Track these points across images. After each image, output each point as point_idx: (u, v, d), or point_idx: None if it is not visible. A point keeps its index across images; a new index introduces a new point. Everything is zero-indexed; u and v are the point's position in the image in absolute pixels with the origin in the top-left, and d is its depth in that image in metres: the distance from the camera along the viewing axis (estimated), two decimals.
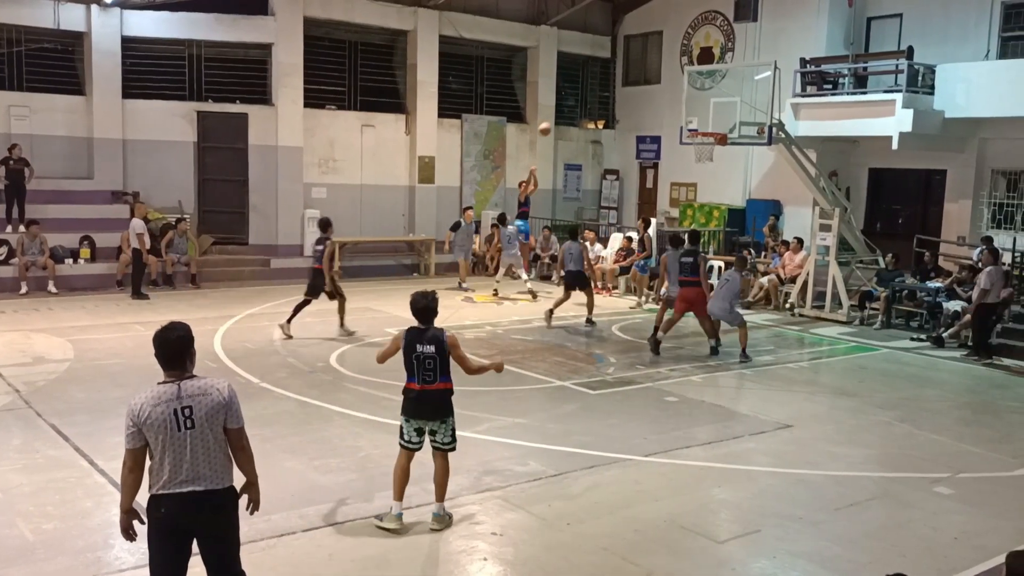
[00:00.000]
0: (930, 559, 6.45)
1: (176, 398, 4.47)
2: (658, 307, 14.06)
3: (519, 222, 19.91)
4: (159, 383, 4.54)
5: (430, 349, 6.48)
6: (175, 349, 4.54)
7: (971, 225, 18.30)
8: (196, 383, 4.55)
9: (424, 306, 6.55)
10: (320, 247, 13.41)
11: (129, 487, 4.55)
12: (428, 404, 6.55)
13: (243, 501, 4.79)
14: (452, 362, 6.64)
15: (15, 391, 9.97)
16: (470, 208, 19.93)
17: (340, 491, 7.32)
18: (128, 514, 4.60)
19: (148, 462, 4.53)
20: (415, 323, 6.62)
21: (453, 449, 6.71)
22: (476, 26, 22.73)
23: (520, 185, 20.89)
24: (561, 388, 10.98)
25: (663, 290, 13.99)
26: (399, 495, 6.62)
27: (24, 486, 7.23)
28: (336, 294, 13.51)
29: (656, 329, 13.43)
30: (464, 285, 18.61)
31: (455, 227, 19.13)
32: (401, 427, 6.67)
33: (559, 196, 24.92)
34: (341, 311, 13.62)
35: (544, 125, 20.86)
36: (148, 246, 16.55)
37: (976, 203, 18.29)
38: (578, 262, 15.11)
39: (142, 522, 4.61)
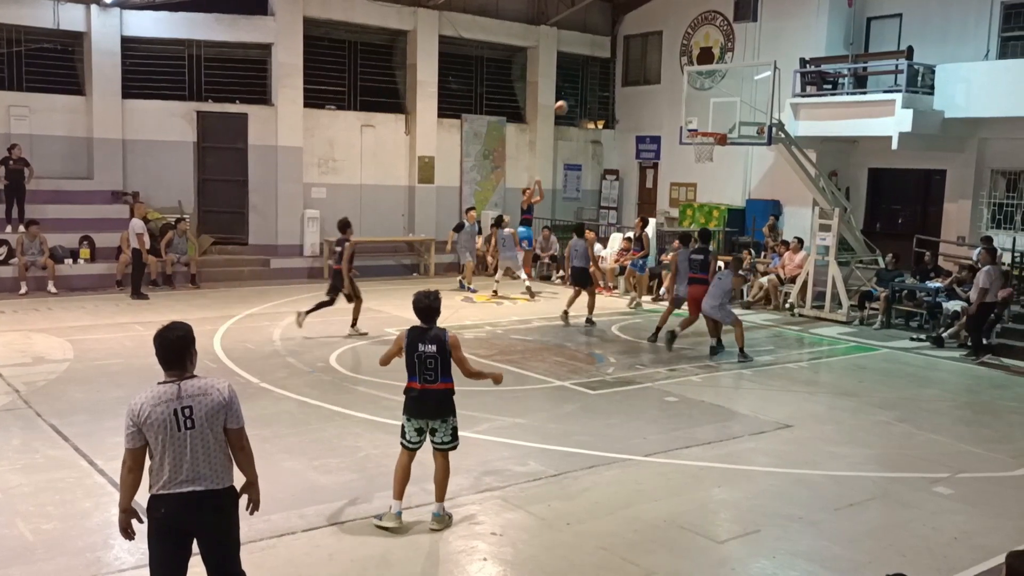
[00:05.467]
0: (929, 559, 6.45)
1: (176, 398, 4.46)
2: (664, 306, 14.12)
3: (522, 228, 19.93)
4: (159, 383, 4.53)
5: (431, 349, 6.47)
6: (175, 349, 4.54)
7: (971, 225, 18.29)
8: (196, 383, 4.54)
9: (426, 306, 6.56)
10: (339, 248, 13.50)
11: (128, 486, 4.54)
12: (429, 403, 6.54)
13: (243, 501, 4.80)
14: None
15: (15, 391, 9.97)
16: (472, 209, 19.93)
17: (340, 491, 7.32)
18: (127, 513, 4.59)
19: (148, 462, 4.52)
20: (417, 323, 6.64)
21: (454, 448, 6.70)
22: (476, 26, 22.73)
23: (524, 192, 21.00)
24: (561, 388, 10.98)
25: (674, 289, 14.08)
26: (399, 494, 6.62)
27: (24, 486, 7.23)
28: (353, 296, 13.57)
29: (658, 328, 13.57)
30: (471, 287, 18.52)
31: (458, 228, 19.07)
32: (402, 426, 6.68)
33: (559, 196, 24.91)
34: (356, 312, 13.66)
35: (559, 103, 20.34)
36: (148, 246, 16.56)
37: (976, 203, 18.28)
38: (583, 259, 15.13)
39: (141, 521, 4.60)
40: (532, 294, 17.79)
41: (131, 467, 4.51)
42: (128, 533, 4.63)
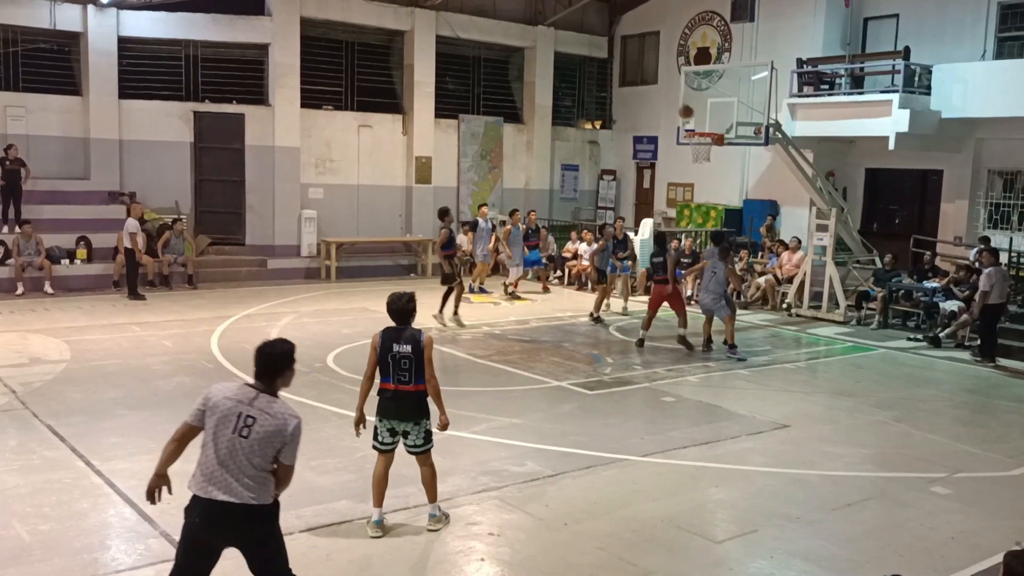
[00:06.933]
0: (927, 558, 6.45)
1: (249, 403, 4.44)
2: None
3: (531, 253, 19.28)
4: (246, 383, 4.57)
5: (406, 349, 6.36)
6: (269, 363, 4.54)
7: (968, 225, 18.31)
8: (273, 403, 4.49)
9: (400, 307, 6.47)
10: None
11: (168, 454, 4.56)
12: (403, 404, 6.43)
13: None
14: None
15: (11, 392, 9.95)
16: (485, 205, 19.65)
17: (338, 492, 7.31)
18: (159, 477, 4.59)
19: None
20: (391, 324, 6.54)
21: (427, 451, 6.56)
22: (473, 26, 22.72)
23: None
24: (558, 388, 10.98)
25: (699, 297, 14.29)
26: (379, 501, 6.54)
27: (20, 487, 7.22)
28: (451, 277, 14.19)
29: (706, 339, 13.53)
30: (481, 287, 18.33)
31: (473, 226, 18.64)
32: (375, 428, 6.55)
33: (556, 196, 24.90)
34: (456, 298, 14.39)
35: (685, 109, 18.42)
36: (141, 246, 16.51)
37: (973, 203, 18.30)
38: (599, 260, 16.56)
39: (171, 492, 4.61)
40: (514, 297, 17.78)
41: (176, 437, 4.56)
42: (153, 497, 4.61)
